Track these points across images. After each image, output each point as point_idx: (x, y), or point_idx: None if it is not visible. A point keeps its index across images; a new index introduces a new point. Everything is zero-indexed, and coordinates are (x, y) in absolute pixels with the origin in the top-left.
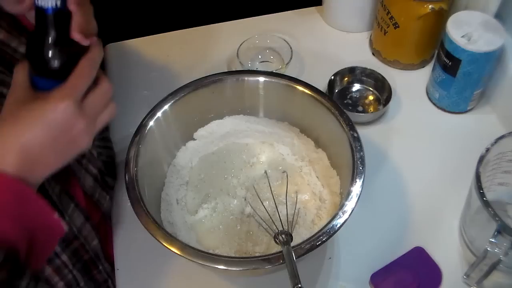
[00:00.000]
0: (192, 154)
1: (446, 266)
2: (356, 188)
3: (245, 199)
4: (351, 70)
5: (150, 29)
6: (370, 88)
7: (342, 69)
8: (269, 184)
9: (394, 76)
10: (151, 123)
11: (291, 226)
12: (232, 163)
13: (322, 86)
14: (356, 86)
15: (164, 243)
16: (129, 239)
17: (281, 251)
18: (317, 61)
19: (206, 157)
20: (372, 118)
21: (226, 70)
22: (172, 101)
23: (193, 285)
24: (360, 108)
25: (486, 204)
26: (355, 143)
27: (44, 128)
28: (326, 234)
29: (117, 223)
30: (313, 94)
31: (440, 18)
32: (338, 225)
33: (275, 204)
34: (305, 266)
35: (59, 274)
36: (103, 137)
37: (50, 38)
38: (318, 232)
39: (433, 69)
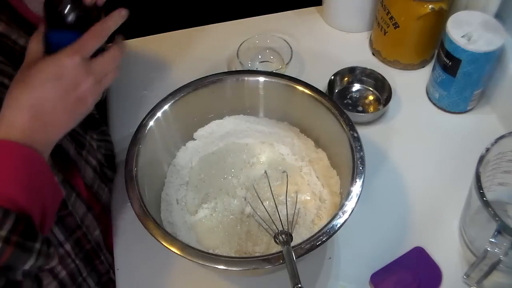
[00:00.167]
0: (192, 154)
1: (446, 266)
2: (356, 188)
3: (245, 199)
4: (351, 70)
5: (150, 29)
6: (370, 88)
7: (342, 69)
8: (269, 184)
9: (394, 76)
10: (151, 123)
11: (291, 226)
12: (232, 163)
13: (322, 86)
14: (356, 86)
15: (164, 243)
16: (129, 239)
17: (281, 251)
18: (317, 61)
19: (206, 157)
20: (372, 118)
21: (226, 70)
22: (172, 101)
23: (193, 285)
24: (360, 108)
25: (486, 204)
26: (355, 143)
27: (53, 84)
28: (326, 234)
29: (117, 223)
30: (313, 94)
31: (440, 18)
32: (338, 225)
33: (275, 204)
34: (305, 266)
35: (62, 263)
36: (101, 131)
37: None
38: (318, 232)
39: (433, 69)
